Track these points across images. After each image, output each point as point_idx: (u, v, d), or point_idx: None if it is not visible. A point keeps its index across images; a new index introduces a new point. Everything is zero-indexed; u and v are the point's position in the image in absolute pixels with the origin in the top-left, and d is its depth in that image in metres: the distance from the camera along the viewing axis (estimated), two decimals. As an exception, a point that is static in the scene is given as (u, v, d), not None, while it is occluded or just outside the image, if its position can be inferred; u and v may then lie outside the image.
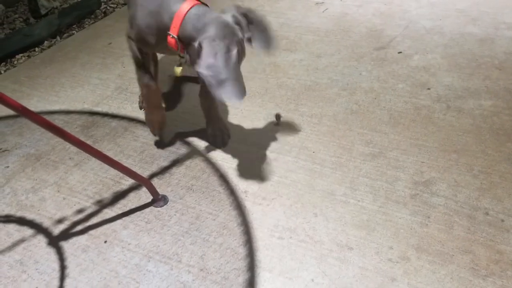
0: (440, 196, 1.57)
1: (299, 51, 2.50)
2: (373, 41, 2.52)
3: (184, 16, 1.50)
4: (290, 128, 1.95)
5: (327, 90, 2.17)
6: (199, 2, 1.56)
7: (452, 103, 1.99)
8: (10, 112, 1.99)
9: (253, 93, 2.18)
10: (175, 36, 1.52)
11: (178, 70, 1.62)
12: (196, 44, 1.46)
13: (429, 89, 2.10)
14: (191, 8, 1.51)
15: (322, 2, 3.02)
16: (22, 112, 1.21)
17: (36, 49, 2.80)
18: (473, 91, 2.05)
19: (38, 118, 1.25)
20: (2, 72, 2.59)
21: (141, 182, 1.58)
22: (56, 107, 2.22)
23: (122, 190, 1.71)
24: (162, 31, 1.56)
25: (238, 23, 1.53)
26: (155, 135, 1.92)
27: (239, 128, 1.97)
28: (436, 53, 2.36)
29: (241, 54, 1.53)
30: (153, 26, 1.58)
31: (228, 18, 1.52)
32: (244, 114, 2.05)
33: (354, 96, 2.10)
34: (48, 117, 2.08)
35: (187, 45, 1.52)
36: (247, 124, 1.99)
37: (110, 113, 2.13)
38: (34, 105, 2.22)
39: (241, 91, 1.47)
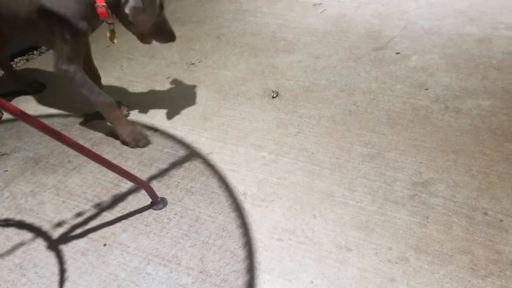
0: (439, 196, 1.57)
1: (297, 52, 2.50)
2: (371, 42, 2.52)
3: None
4: (289, 129, 1.95)
5: (326, 91, 2.17)
6: None
7: (450, 104, 2.00)
8: (9, 116, 1.99)
9: (252, 95, 2.18)
10: (104, 4, 1.62)
11: (113, 35, 1.77)
12: None
13: (427, 89, 2.10)
14: None
15: (320, 3, 3.03)
16: (20, 116, 1.21)
17: (35, 52, 2.81)
18: (471, 91, 2.06)
19: (36, 122, 1.25)
20: (1, 75, 2.60)
21: (140, 184, 1.58)
22: (54, 110, 2.22)
23: (121, 193, 1.71)
24: (90, 9, 1.64)
25: None
26: (143, 146, 1.93)
27: (237, 129, 1.98)
28: (434, 54, 2.36)
29: (162, 1, 1.71)
30: (82, 12, 1.65)
31: None
32: (242, 115, 2.06)
33: (352, 97, 2.11)
34: (46, 120, 2.09)
35: (115, 6, 1.64)
36: (246, 126, 1.99)
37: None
38: (33, 109, 2.22)
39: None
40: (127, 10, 1.63)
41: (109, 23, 1.71)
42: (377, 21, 2.73)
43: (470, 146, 1.76)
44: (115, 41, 1.78)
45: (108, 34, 1.76)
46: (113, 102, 1.88)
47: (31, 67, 2.66)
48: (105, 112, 1.87)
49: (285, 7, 3.02)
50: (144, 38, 1.82)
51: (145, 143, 1.93)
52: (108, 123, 2.02)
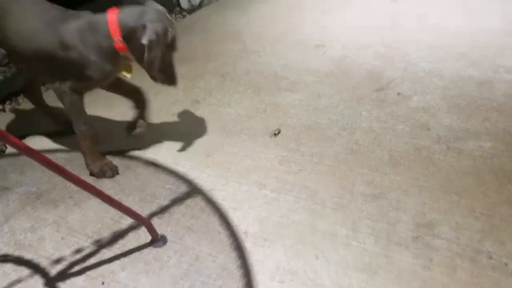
0: (442, 238, 1.55)
1: (299, 92, 2.54)
2: (373, 83, 2.56)
3: (117, 19, 1.72)
4: (291, 167, 1.95)
5: (328, 130, 2.19)
6: (117, 8, 1.77)
7: (452, 144, 2.01)
8: (13, 150, 2.00)
9: (255, 132, 2.20)
10: (121, 39, 1.72)
11: (130, 69, 1.87)
12: (139, 27, 1.70)
13: (429, 130, 2.11)
14: (117, 12, 1.74)
15: (322, 45, 3.09)
16: (25, 150, 1.22)
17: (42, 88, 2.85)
18: (472, 133, 2.07)
19: (41, 157, 1.26)
20: (7, 110, 2.63)
21: (141, 221, 1.57)
22: (58, 146, 2.24)
23: (121, 230, 1.69)
24: (107, 46, 1.74)
25: (165, 10, 1.80)
26: (113, 176, 1.99)
27: (240, 166, 1.98)
28: (435, 95, 2.39)
29: (175, 36, 1.82)
30: (100, 51, 1.75)
31: (159, 7, 1.80)
32: (245, 152, 2.06)
33: (354, 136, 2.12)
34: (50, 155, 2.09)
35: (131, 40, 1.73)
36: (248, 163, 2.00)
37: (113, 150, 2.14)
38: (37, 143, 2.24)
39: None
40: (144, 41, 1.69)
41: (127, 58, 1.80)
42: (378, 63, 2.78)
43: (472, 188, 1.76)
44: (130, 75, 1.88)
45: (123, 69, 1.86)
46: (95, 134, 1.94)
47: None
48: (81, 141, 1.94)
49: (287, 47, 3.09)
50: (153, 75, 1.89)
51: (111, 174, 1.99)
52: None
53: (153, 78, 1.90)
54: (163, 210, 1.78)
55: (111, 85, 2.01)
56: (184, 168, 2.00)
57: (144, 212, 1.76)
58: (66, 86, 1.81)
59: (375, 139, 2.09)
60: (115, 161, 2.08)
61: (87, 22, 1.76)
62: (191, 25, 3.62)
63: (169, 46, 1.80)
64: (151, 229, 1.59)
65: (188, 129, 2.28)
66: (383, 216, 1.66)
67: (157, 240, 1.61)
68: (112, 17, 1.73)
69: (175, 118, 2.38)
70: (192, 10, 3.98)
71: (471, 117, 2.18)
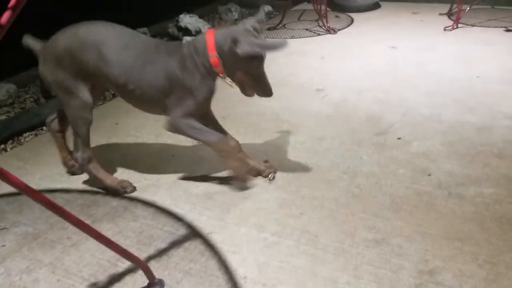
0: (446, 286, 1.51)
1: (300, 134, 2.55)
2: (373, 127, 2.58)
3: (214, 36, 1.87)
4: (292, 210, 1.93)
5: (328, 173, 2.18)
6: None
7: (453, 190, 2.00)
8: (11, 189, 1.99)
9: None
10: (215, 54, 1.86)
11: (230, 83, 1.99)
12: (230, 41, 1.83)
13: (429, 175, 2.11)
14: (214, 31, 1.90)
15: (322, 89, 3.14)
16: (25, 190, 1.21)
17: (44, 128, 2.87)
18: (473, 179, 2.07)
19: (40, 197, 1.25)
20: (9, 149, 2.64)
21: (138, 264, 1.54)
22: (58, 185, 2.23)
23: (118, 273, 1.66)
24: (205, 63, 1.89)
25: (256, 29, 1.91)
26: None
27: (239, 209, 1.96)
28: (435, 140, 2.41)
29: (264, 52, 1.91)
30: (202, 71, 1.90)
31: (248, 26, 1.89)
32: (245, 195, 2.05)
33: (355, 180, 2.11)
34: (49, 195, 2.08)
35: (224, 56, 1.87)
36: (248, 205, 1.98)
37: (111, 191, 2.13)
38: (37, 183, 2.23)
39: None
40: (239, 50, 1.81)
41: (221, 76, 1.94)
42: (377, 107, 2.82)
43: (475, 234, 1.74)
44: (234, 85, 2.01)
45: (228, 83, 1.99)
46: (223, 138, 2.02)
47: (39, 142, 2.70)
48: (217, 150, 2.02)
49: (289, 91, 3.14)
50: (245, 89, 2.01)
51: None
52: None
53: (247, 94, 2.03)
54: (161, 253, 1.75)
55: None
56: (183, 210, 1.99)
57: (141, 255, 1.73)
58: (181, 115, 1.93)
59: (376, 183, 2.08)
60: (114, 201, 2.06)
61: (190, 45, 1.91)
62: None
63: (259, 58, 1.90)
64: (148, 273, 1.56)
65: (188, 170, 2.28)
66: (385, 262, 1.63)
67: (154, 284, 1.57)
68: (210, 36, 1.88)
69: (175, 159, 2.38)
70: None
71: (471, 163, 2.19)
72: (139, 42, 1.96)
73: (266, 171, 2.15)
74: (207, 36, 1.89)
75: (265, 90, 2.00)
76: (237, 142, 2.07)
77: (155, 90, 1.93)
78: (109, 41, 1.90)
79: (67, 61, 1.91)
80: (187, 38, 4.18)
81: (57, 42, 1.95)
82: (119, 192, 2.10)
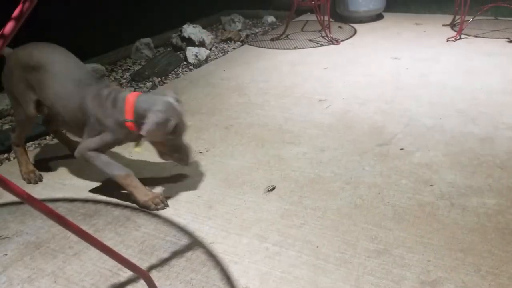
0: (449, 298, 1.51)
1: (303, 145, 2.56)
2: (375, 137, 2.59)
3: (134, 101, 1.93)
4: (293, 220, 1.93)
5: (331, 183, 2.18)
6: (139, 93, 2.01)
7: (456, 201, 1.99)
8: (14, 198, 2.00)
9: (257, 185, 2.20)
10: (132, 120, 1.92)
11: (138, 148, 2.03)
12: (146, 114, 1.89)
13: (432, 186, 2.11)
14: (136, 95, 1.96)
15: (325, 99, 3.15)
16: (27, 199, 1.22)
17: (47, 137, 2.89)
18: (476, 189, 2.06)
19: (42, 206, 1.26)
20: (12, 159, 2.65)
21: (139, 274, 1.54)
22: (60, 195, 2.24)
23: (119, 282, 1.66)
24: (120, 121, 1.95)
25: (177, 101, 1.99)
26: (161, 209, 2.06)
27: (241, 219, 1.96)
28: (437, 151, 2.40)
29: (180, 125, 1.98)
30: (115, 122, 1.96)
31: (170, 98, 1.96)
32: (247, 204, 2.05)
33: (357, 191, 2.11)
34: (52, 205, 2.10)
35: (140, 123, 1.92)
36: (250, 215, 1.98)
37: (114, 201, 2.14)
38: (39, 192, 2.24)
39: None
40: (142, 132, 1.90)
41: (139, 136, 1.97)
42: (380, 118, 2.82)
43: (478, 245, 1.73)
44: (139, 150, 2.06)
45: (135, 144, 2.06)
46: (130, 172, 2.04)
47: (42, 151, 2.72)
48: (122, 184, 2.04)
49: (291, 102, 3.15)
50: (162, 154, 2.10)
51: (163, 207, 2.07)
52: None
53: (163, 158, 2.12)
54: (162, 263, 1.75)
55: None
56: (185, 220, 1.99)
57: (143, 264, 1.73)
58: (88, 145, 2.01)
59: (379, 194, 2.08)
60: (116, 211, 2.07)
61: (110, 92, 1.99)
62: (197, 79, 3.72)
63: (173, 133, 1.96)
64: (149, 283, 1.55)
65: (190, 181, 2.28)
66: (387, 273, 1.62)
67: (155, 294, 1.57)
68: (131, 98, 1.95)
69: (177, 169, 2.39)
70: (198, 64, 4.10)
71: (474, 173, 2.18)
72: (74, 71, 2.07)
73: (160, 204, 2.07)
74: (128, 97, 1.95)
75: (181, 159, 2.09)
76: (132, 172, 2.08)
77: (74, 118, 2.04)
78: (49, 66, 2.05)
79: (18, 74, 2.10)
80: (190, 49, 4.21)
81: (18, 53, 2.13)
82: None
